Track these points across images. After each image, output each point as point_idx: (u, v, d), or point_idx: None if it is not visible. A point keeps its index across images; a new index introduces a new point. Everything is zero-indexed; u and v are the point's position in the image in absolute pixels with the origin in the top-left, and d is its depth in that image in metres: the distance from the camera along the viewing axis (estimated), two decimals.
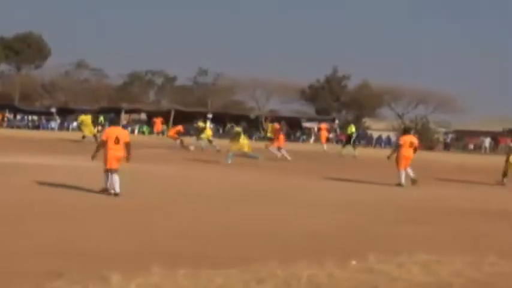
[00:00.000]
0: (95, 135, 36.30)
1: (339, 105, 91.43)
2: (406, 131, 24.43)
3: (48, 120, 78.44)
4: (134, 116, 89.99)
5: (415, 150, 22.21)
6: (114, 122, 17.68)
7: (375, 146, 69.34)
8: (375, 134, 76.43)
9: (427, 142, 61.07)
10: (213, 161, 28.59)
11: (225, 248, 9.65)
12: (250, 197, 16.75)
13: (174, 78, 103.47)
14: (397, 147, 22.73)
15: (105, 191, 15.41)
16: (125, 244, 9.52)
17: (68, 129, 75.12)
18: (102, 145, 16.32)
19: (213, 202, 15.14)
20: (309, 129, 77.24)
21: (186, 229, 11.11)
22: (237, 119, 73.60)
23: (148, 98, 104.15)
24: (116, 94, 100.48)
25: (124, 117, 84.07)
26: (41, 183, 16.69)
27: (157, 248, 9.48)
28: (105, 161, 15.83)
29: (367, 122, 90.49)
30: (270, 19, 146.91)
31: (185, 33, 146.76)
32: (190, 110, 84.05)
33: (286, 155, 31.68)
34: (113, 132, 16.26)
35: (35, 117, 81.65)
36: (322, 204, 15.71)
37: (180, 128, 44.62)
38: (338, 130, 77.33)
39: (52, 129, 71.79)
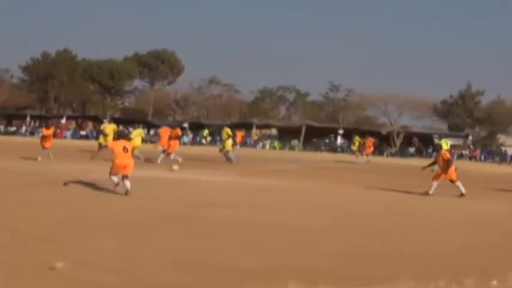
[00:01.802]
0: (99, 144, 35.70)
1: (472, 121, 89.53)
2: None
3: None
4: (265, 131, 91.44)
5: None
6: (122, 135, 19.63)
7: (510, 163, 67.73)
8: (510, 151, 74.72)
9: None
10: (340, 178, 28.72)
11: (359, 266, 9.36)
12: (373, 213, 16.33)
13: (305, 94, 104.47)
14: None
15: (126, 193, 16.64)
16: (257, 259, 9.29)
17: (200, 143, 77.39)
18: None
19: (341, 217, 14.89)
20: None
21: (318, 245, 10.89)
22: (368, 135, 73.74)
23: (279, 113, 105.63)
24: (247, 109, 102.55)
25: (255, 133, 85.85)
26: (170, 197, 17.15)
27: (292, 263, 9.18)
28: (113, 167, 17.46)
29: (501, 138, 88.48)
30: (404, 33, 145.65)
31: (316, 49, 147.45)
32: (322, 125, 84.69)
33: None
34: (120, 143, 17.93)
35: None
36: (447, 221, 15.22)
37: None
38: (471, 147, 76.26)
39: (184, 144, 74.13)
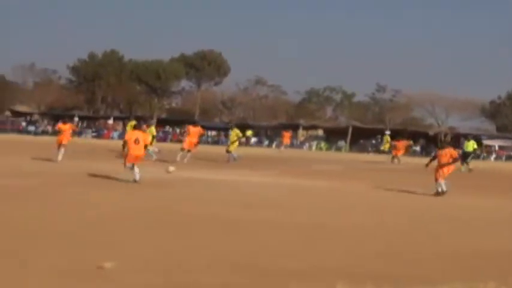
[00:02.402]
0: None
1: None
2: None
3: (226, 136, 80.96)
4: (311, 132, 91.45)
5: None
6: (137, 127, 22.01)
7: None
8: None
9: None
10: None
11: (407, 267, 9.31)
12: (418, 214, 16.11)
13: (352, 95, 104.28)
14: None
15: (135, 181, 19.06)
16: (303, 260, 9.27)
17: (246, 144, 77.68)
18: (124, 145, 20.41)
19: (387, 217, 14.73)
20: (489, 146, 75.82)
21: (364, 245, 10.88)
22: (415, 136, 73.38)
23: (326, 114, 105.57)
24: (294, 110, 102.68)
25: (301, 134, 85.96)
26: (211, 198, 17.16)
27: (339, 264, 9.22)
28: (127, 157, 19.82)
29: None
30: (451, 33, 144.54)
31: (363, 49, 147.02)
32: (368, 126, 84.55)
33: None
34: (133, 134, 20.42)
35: (214, 133, 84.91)
36: (489, 222, 15.04)
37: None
38: None
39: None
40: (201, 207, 14.88)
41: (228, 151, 34.57)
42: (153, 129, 38.11)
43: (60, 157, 27.00)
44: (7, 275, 7.64)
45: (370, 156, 57.88)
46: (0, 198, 14.74)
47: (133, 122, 38.75)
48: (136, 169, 19.34)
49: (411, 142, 45.65)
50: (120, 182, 19.62)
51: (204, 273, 8.19)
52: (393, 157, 44.45)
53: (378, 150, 69.98)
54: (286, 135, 60.61)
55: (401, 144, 46.21)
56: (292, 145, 78.19)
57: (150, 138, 23.93)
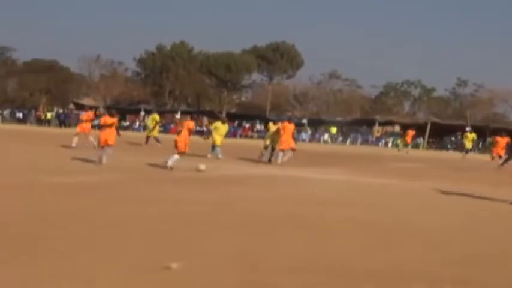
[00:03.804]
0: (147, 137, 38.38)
1: None
2: None
3: (299, 132, 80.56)
4: (388, 128, 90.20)
5: None
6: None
7: None
8: None
9: None
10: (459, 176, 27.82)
11: (490, 274, 8.93)
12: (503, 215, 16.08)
13: (431, 90, 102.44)
14: None
15: (171, 168, 21.34)
16: (377, 260, 9.21)
17: (319, 140, 76.95)
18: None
19: (467, 219, 14.32)
20: None
21: (441, 247, 10.56)
22: (497, 132, 71.10)
23: (403, 109, 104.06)
24: (370, 105, 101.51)
25: (376, 130, 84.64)
26: (282, 195, 16.85)
27: (414, 266, 9.05)
28: (183, 146, 22.10)
29: None
30: None
31: (443, 42, 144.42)
32: (448, 122, 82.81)
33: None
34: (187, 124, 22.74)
35: None
36: None
37: None
38: None
39: (303, 140, 73.58)
40: (276, 205, 14.67)
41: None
42: (156, 116, 38.76)
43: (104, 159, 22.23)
44: (73, 267, 7.75)
45: (450, 154, 56.18)
46: (78, 193, 14.70)
47: (157, 116, 39.47)
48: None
49: None
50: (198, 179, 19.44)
51: (280, 273, 8.08)
52: (493, 157, 39.74)
53: (457, 148, 68.25)
54: (410, 134, 57.08)
55: (503, 141, 42.60)
56: (366, 142, 77.07)
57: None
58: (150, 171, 21.34)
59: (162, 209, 13.04)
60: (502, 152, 38.90)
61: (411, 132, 55.57)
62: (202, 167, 21.52)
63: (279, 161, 27.64)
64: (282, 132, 28.30)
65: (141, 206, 13.29)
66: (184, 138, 22.18)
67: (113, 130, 22.87)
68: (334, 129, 75.22)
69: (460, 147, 64.97)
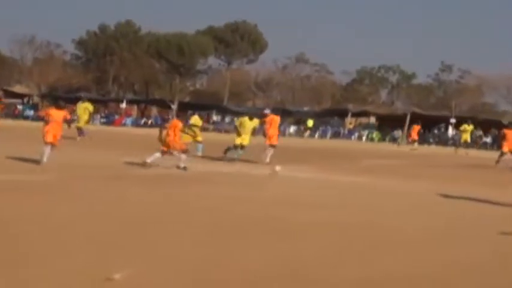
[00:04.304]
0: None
1: None
2: None
3: (261, 124, 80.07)
4: (362, 119, 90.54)
5: None
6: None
7: None
8: None
9: None
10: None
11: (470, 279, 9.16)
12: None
13: (411, 76, 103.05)
14: None
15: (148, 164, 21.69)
16: (356, 269, 9.26)
17: (283, 134, 76.97)
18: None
19: (450, 222, 14.39)
20: None
21: (419, 254, 10.66)
22: (486, 125, 71.85)
23: (380, 98, 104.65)
24: (341, 94, 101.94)
25: (349, 121, 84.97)
26: (245, 196, 16.94)
27: (397, 271, 9.16)
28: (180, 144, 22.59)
29: None
30: None
31: (426, 23, 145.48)
32: (430, 113, 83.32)
33: None
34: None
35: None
36: None
37: None
38: None
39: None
40: (241, 205, 14.89)
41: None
42: (89, 105, 38.51)
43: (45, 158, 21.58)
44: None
45: (432, 149, 56.50)
46: (17, 195, 14.59)
47: (89, 105, 39.12)
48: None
49: None
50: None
51: (241, 284, 8.07)
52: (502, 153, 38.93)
53: (440, 142, 68.82)
54: (416, 129, 56.27)
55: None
56: (338, 135, 77.37)
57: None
58: (95, 169, 21.35)
59: (110, 210, 13.10)
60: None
61: (417, 127, 54.94)
62: (278, 168, 22.45)
63: (267, 159, 27.76)
64: (268, 126, 28.89)
65: (87, 206, 13.31)
66: (172, 138, 22.51)
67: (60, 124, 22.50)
68: (310, 122, 75.31)
69: (443, 141, 65.68)
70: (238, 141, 28.49)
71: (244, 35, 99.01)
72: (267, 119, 29.00)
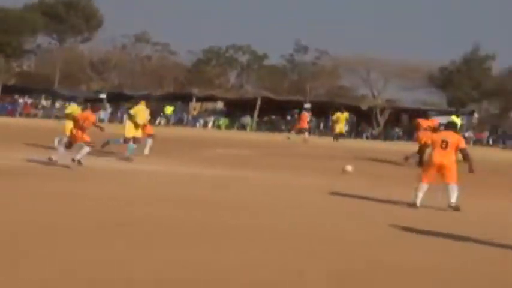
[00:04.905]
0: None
1: (478, 94, 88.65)
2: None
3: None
4: (208, 105, 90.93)
5: None
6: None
7: None
8: None
9: None
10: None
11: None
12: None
13: (263, 56, 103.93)
14: None
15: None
16: (268, 272, 9.63)
17: (121, 121, 76.63)
18: None
19: (311, 216, 15.35)
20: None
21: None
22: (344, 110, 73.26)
23: (228, 82, 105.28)
24: (186, 76, 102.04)
25: (193, 106, 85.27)
26: (109, 194, 17.31)
27: (305, 279, 9.49)
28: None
29: None
30: None
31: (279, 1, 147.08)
32: (283, 98, 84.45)
33: None
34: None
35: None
36: None
37: None
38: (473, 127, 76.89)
39: (101, 120, 73.06)
40: (101, 207, 15.06)
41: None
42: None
43: None
44: None
45: (284, 137, 57.54)
46: None
47: None
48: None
49: None
50: None
51: None
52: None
53: (292, 129, 69.95)
54: (304, 117, 55.84)
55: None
56: (181, 122, 77.58)
57: None
58: None
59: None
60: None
61: (305, 115, 54.80)
62: (349, 168, 23.07)
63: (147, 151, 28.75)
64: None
65: None
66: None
67: None
68: (170, 109, 75.21)
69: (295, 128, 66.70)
70: (131, 133, 27.47)
71: (78, 11, 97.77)
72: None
